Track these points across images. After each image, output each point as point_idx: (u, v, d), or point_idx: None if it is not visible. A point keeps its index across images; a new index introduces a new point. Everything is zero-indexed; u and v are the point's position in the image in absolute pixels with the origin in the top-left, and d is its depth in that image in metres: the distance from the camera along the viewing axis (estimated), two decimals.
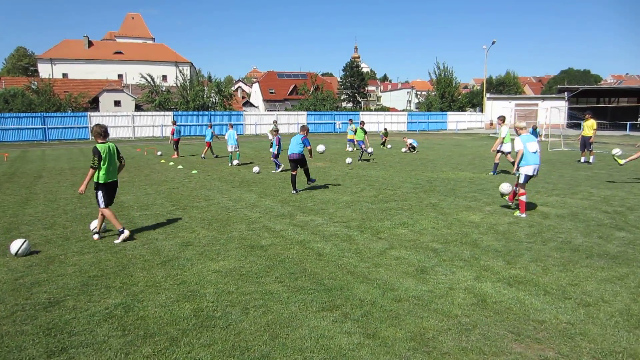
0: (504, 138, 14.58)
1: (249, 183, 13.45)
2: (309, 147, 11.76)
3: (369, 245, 6.96)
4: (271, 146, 17.43)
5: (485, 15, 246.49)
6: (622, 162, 12.80)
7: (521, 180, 8.85)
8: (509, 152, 14.27)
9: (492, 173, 15.05)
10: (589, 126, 18.28)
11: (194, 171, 16.27)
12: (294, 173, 11.96)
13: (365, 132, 20.65)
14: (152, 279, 5.59)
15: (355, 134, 21.63)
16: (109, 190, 7.41)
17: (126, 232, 7.32)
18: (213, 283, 5.40)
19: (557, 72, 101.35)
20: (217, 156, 21.83)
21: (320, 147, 14.67)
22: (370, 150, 20.29)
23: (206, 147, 21.98)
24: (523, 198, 8.84)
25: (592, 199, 10.46)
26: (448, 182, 13.34)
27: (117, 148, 7.61)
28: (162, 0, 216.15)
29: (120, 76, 71.60)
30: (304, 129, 12.34)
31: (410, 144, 23.72)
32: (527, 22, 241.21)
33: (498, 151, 14.88)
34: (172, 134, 22.46)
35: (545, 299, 4.86)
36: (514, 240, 7.17)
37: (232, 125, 20.07)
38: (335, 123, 47.96)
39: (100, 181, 7.25)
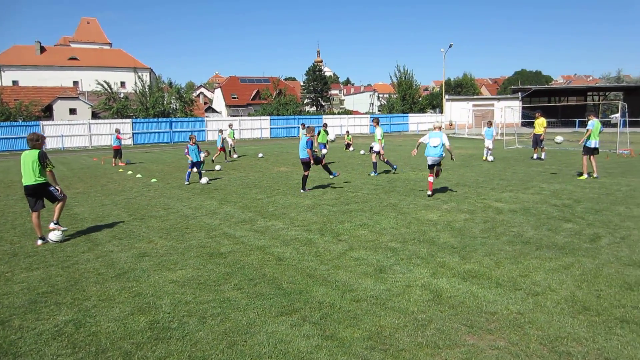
0: (380, 139, 15.30)
1: (209, 190, 13.28)
2: (308, 150, 12.23)
3: (329, 247, 6.99)
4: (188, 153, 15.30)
5: (443, 20, 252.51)
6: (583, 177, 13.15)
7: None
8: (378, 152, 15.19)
9: (373, 174, 15.38)
10: (540, 124, 19.01)
11: (153, 180, 15.93)
12: (305, 174, 12.42)
13: (327, 135, 20.74)
14: (105, 292, 5.44)
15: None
16: (27, 194, 8.11)
17: (39, 242, 7.74)
18: (170, 293, 5.31)
19: (511, 74, 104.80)
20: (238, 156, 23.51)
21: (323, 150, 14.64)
22: (324, 152, 20.40)
23: (218, 152, 21.62)
24: (430, 179, 10.99)
25: (542, 194, 10.86)
26: (408, 182, 13.57)
27: (39, 155, 8.08)
28: (119, 4, 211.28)
29: (75, 83, 69.29)
30: (309, 130, 12.60)
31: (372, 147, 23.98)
32: (483, 26, 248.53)
33: (371, 150, 15.57)
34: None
35: (497, 291, 5.02)
36: (469, 236, 7.37)
37: (221, 131, 22.24)
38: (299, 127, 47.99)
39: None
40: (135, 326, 4.48)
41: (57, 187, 8.31)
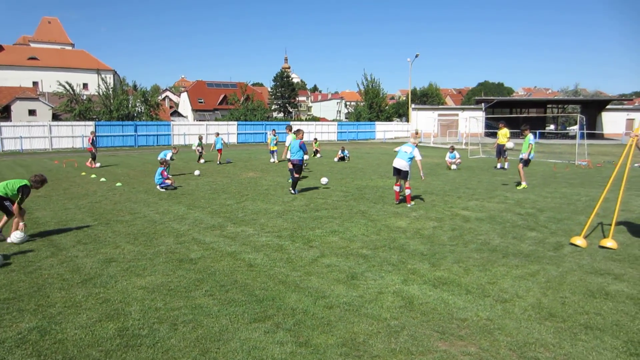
0: (288, 146, 16.03)
1: (177, 195, 13.06)
2: (306, 152, 12.81)
3: (301, 254, 6.99)
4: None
5: (409, 30, 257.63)
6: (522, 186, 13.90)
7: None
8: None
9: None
10: (503, 135, 19.60)
11: (118, 184, 15.52)
12: (297, 176, 12.95)
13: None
14: (71, 299, 5.27)
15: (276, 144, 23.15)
16: None
17: None
18: (139, 300, 5.19)
19: (475, 85, 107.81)
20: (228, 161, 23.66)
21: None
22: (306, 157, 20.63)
23: (219, 155, 23.10)
24: (395, 188, 11.14)
25: (507, 202, 11.19)
26: (377, 189, 13.73)
27: (23, 186, 8.08)
28: (82, 3, 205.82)
29: (35, 83, 66.93)
30: (298, 132, 12.96)
31: (340, 154, 24.27)
32: (449, 37, 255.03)
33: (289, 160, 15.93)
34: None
35: (467, 298, 5.14)
36: (438, 243, 7.52)
37: (217, 134, 24.21)
38: (266, 133, 47.83)
39: None
40: (103, 333, 4.36)
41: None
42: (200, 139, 25.65)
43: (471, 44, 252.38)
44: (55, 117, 49.41)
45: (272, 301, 5.10)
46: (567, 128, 60.88)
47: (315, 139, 29.53)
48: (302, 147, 12.82)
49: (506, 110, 60.08)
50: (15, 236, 7.70)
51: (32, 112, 51.67)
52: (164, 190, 13.91)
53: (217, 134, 24.54)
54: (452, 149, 20.50)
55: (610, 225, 7.67)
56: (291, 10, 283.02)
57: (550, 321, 4.54)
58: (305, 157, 20.00)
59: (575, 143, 24.50)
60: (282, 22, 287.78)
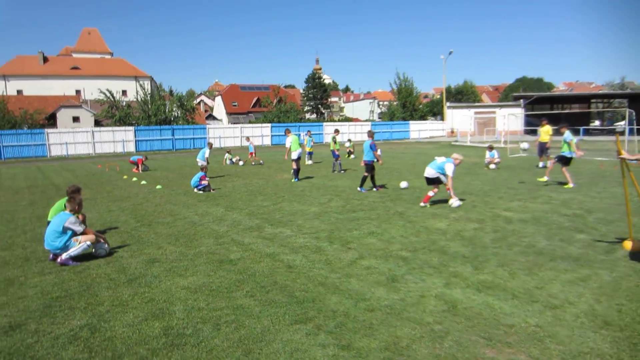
0: (289, 147, 16.68)
1: (214, 197, 13.26)
2: (376, 152, 13.14)
3: (339, 255, 6.96)
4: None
5: (443, 27, 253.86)
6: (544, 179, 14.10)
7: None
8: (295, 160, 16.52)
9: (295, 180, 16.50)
10: (545, 132, 18.98)
11: (158, 186, 15.91)
12: (365, 174, 13.41)
13: (336, 142, 21.15)
14: (118, 298, 5.41)
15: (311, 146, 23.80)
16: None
17: None
18: (182, 300, 5.28)
19: (512, 81, 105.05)
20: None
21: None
22: (310, 162, 22.92)
23: (251, 156, 24.52)
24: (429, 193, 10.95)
25: (552, 203, 10.82)
26: (413, 190, 13.54)
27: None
28: (119, 14, 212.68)
29: (78, 92, 69.65)
30: (370, 134, 13.64)
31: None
32: (483, 33, 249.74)
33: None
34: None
35: (514, 303, 4.97)
36: (480, 245, 7.33)
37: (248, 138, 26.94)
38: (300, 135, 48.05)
39: None
40: (150, 332, 4.45)
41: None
42: (229, 152, 26.41)
43: (507, 39, 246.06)
44: (97, 123, 51.20)
45: (312, 303, 5.08)
46: (615, 124, 58.15)
47: (349, 140, 29.43)
48: (372, 148, 13.13)
49: (546, 106, 58.27)
50: (100, 247, 7.35)
51: (75, 119, 53.73)
52: (201, 192, 14.15)
53: (248, 139, 26.61)
54: (491, 147, 20.01)
55: None
56: (322, 11, 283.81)
57: (606, 330, 4.32)
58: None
59: (624, 139, 23.40)
60: (313, 23, 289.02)
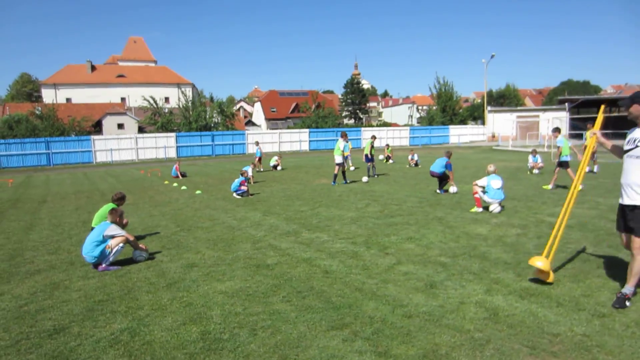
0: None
1: (252, 202, 13.41)
2: (450, 173, 13.73)
3: (376, 261, 6.88)
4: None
5: (484, 29, 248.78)
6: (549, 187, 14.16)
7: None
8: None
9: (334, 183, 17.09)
10: None
11: (198, 191, 16.25)
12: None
13: (373, 147, 20.81)
14: (157, 302, 5.52)
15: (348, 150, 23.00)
16: None
17: None
18: (219, 304, 5.33)
19: (557, 84, 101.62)
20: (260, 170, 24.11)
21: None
22: (352, 168, 22.73)
23: (259, 162, 24.26)
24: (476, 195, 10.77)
25: (599, 208, 10.37)
26: (453, 195, 13.27)
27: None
28: (164, 23, 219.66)
29: (123, 99, 72.21)
30: (448, 154, 14.18)
31: (412, 159, 23.97)
32: (526, 35, 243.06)
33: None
34: None
35: (559, 311, 4.76)
36: (523, 252, 7.07)
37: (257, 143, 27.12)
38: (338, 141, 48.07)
39: None
40: (187, 336, 4.51)
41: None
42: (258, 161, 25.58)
43: (551, 41, 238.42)
44: (141, 130, 52.88)
45: (349, 309, 5.03)
46: None
47: (387, 145, 29.21)
48: (448, 167, 13.64)
49: (593, 110, 55.99)
50: (139, 254, 7.45)
51: (120, 126, 55.70)
52: (239, 197, 14.34)
53: (257, 143, 26.20)
54: (535, 152, 19.39)
55: None
56: (361, 14, 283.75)
57: None
58: (352, 168, 20.49)
59: None
60: (352, 27, 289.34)
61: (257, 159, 24.22)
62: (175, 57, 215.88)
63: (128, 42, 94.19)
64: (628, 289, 4.87)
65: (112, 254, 7.02)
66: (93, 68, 77.22)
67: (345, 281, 5.99)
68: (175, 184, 19.07)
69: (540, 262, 5.56)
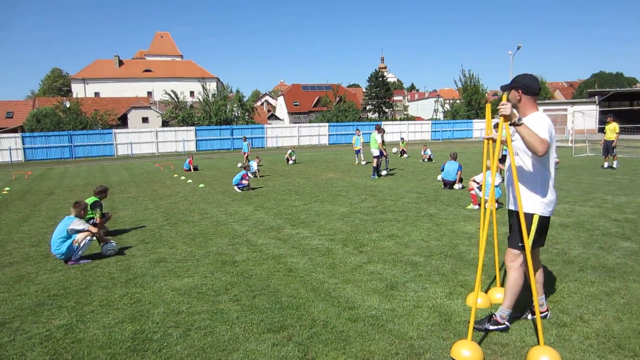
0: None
1: (250, 196, 13.27)
2: (459, 173, 13.37)
3: (347, 259, 6.59)
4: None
5: (513, 20, 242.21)
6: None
7: None
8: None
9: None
10: (611, 130, 17.39)
11: (201, 185, 16.23)
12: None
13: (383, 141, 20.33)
14: (108, 298, 5.39)
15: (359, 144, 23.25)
16: None
17: None
18: (167, 302, 5.15)
19: (588, 76, 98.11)
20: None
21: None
22: (363, 162, 22.48)
23: (245, 157, 24.05)
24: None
25: (604, 206, 9.78)
26: (456, 191, 12.81)
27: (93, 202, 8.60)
28: (190, 18, 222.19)
29: (149, 93, 73.34)
30: (455, 156, 13.75)
31: (424, 154, 23.40)
32: (557, 25, 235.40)
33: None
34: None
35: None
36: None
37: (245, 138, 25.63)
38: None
39: None
40: (119, 335, 4.35)
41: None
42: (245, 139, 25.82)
43: (583, 31, 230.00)
44: (165, 124, 53.55)
45: (295, 310, 4.77)
46: None
47: (402, 139, 28.66)
48: (459, 169, 13.37)
49: (625, 102, 53.78)
50: (108, 248, 7.39)
51: (145, 120, 56.52)
52: (240, 190, 14.22)
53: (245, 138, 25.40)
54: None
55: None
56: (388, 10, 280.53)
57: (616, 354, 3.67)
58: (364, 162, 20.11)
59: None
60: (380, 22, 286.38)
61: (244, 154, 24.31)
62: (202, 52, 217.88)
63: (155, 37, 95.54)
64: (502, 310, 4.12)
65: (80, 249, 6.95)
66: (121, 63, 78.65)
67: (305, 280, 5.73)
68: (183, 177, 19.13)
69: (480, 300, 4.66)
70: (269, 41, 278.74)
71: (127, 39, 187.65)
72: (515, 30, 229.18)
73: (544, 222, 3.99)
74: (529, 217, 3.94)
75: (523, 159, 3.97)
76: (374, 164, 17.10)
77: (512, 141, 3.99)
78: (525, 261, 3.95)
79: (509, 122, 3.66)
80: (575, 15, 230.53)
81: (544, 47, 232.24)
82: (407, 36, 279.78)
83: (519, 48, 51.09)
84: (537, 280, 4.21)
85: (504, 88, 4.03)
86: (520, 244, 3.97)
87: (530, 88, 3.91)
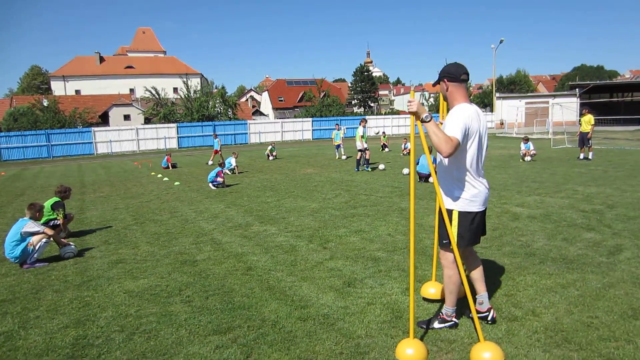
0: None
1: (224, 193, 13.09)
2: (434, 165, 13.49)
3: (308, 256, 6.48)
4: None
5: (497, 13, 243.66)
6: None
7: None
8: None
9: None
10: (587, 122, 17.53)
11: (177, 182, 16.00)
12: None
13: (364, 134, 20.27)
14: (56, 302, 5.21)
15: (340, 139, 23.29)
16: None
17: None
18: (116, 305, 5.00)
19: (570, 69, 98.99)
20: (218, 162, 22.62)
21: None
22: (344, 157, 22.61)
23: (213, 154, 23.63)
24: None
25: (574, 197, 9.80)
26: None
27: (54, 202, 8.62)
28: (173, 13, 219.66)
29: (131, 90, 72.33)
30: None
31: (405, 148, 23.41)
32: (539, 19, 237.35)
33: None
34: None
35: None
36: None
37: (215, 135, 24.93)
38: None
39: None
40: (59, 341, 4.18)
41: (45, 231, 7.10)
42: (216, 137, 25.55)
43: (564, 24, 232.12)
44: (147, 121, 52.91)
45: (246, 310, 4.65)
46: None
47: (383, 133, 28.63)
48: (434, 162, 13.49)
49: (605, 95, 54.36)
50: (67, 251, 7.14)
51: (126, 117, 55.83)
52: (215, 187, 14.04)
53: (215, 136, 24.69)
54: (526, 139, 18.70)
55: None
56: (374, 4, 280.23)
57: (562, 349, 3.61)
58: (344, 156, 19.73)
59: None
60: (365, 17, 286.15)
61: (214, 152, 23.73)
62: (187, 49, 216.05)
63: (137, 32, 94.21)
64: (445, 308, 4.10)
65: (36, 251, 6.75)
66: (102, 59, 77.42)
67: (262, 279, 5.61)
68: (159, 175, 18.85)
69: (433, 290, 4.73)
70: (255, 37, 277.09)
71: (109, 35, 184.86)
72: (499, 25, 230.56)
73: (469, 217, 3.85)
74: (449, 213, 3.86)
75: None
76: (357, 157, 17.15)
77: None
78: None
79: (419, 119, 3.55)
80: (558, 10, 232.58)
81: (528, 41, 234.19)
82: (392, 31, 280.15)
83: (501, 42, 51.50)
84: (475, 278, 4.13)
85: (435, 83, 3.95)
86: (444, 241, 3.88)
87: (452, 74, 3.79)
